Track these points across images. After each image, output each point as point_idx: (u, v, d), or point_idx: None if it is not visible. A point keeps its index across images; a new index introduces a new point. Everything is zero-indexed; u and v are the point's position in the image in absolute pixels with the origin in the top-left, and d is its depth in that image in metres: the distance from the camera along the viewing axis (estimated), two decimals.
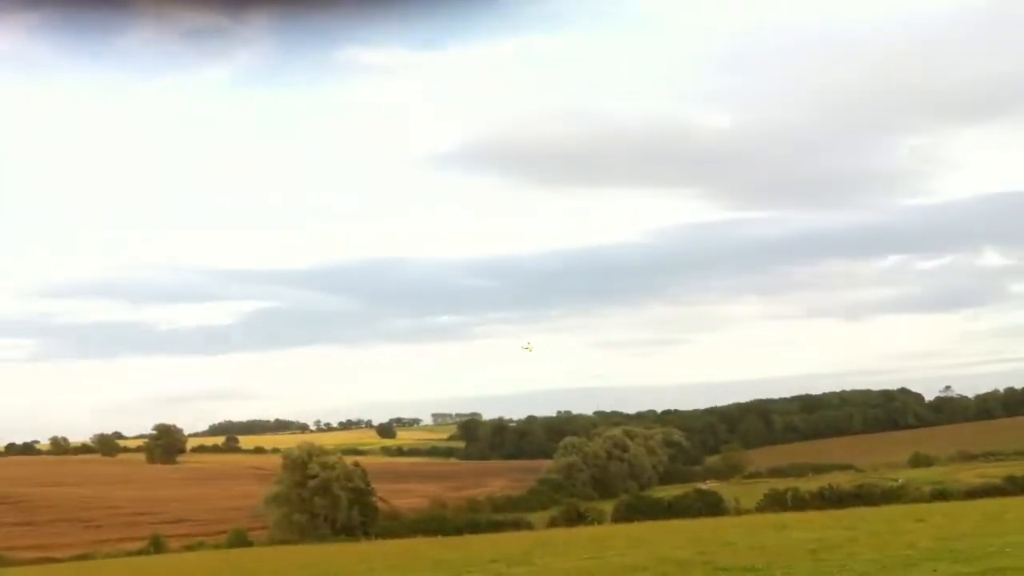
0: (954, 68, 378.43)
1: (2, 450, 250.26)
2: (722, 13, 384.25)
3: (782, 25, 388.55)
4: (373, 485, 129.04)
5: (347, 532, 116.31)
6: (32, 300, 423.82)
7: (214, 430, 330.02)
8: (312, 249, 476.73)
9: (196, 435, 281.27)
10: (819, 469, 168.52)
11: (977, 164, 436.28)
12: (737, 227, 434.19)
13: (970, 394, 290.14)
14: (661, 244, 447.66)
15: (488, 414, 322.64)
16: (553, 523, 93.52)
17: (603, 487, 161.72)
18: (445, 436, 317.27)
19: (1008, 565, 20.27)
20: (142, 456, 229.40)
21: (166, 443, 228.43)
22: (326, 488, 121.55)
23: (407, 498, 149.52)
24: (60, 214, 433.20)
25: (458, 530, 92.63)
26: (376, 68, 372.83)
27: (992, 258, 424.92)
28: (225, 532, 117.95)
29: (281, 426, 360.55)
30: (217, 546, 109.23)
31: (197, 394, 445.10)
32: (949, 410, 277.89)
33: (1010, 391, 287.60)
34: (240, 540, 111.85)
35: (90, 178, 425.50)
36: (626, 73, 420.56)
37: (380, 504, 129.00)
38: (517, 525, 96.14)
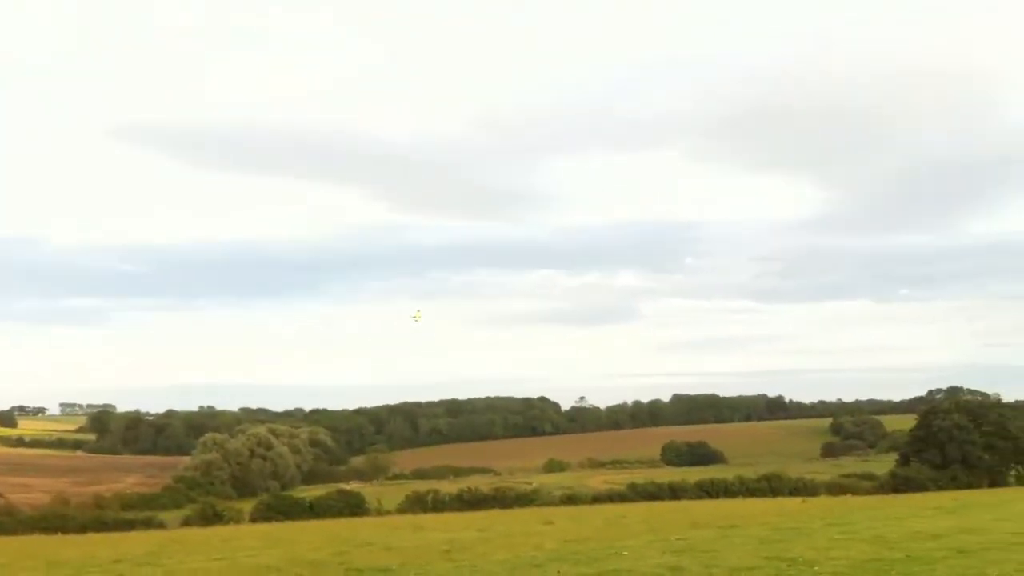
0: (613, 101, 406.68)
1: None
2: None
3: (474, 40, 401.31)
4: None
5: None
6: None
7: None
8: None
9: None
10: (460, 472, 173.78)
11: (617, 192, 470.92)
12: (400, 231, 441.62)
13: (602, 405, 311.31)
14: (321, 241, 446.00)
15: (123, 406, 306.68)
16: (187, 523, 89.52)
17: (243, 486, 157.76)
18: (73, 428, 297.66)
19: (624, 567, 21.37)
20: None
21: None
22: None
23: (27, 493, 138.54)
24: None
25: (82, 528, 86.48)
26: None
27: (628, 279, 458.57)
28: None
29: None
30: None
31: None
32: (583, 419, 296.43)
33: (637, 404, 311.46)
34: None
35: None
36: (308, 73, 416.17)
37: None
38: (148, 524, 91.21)
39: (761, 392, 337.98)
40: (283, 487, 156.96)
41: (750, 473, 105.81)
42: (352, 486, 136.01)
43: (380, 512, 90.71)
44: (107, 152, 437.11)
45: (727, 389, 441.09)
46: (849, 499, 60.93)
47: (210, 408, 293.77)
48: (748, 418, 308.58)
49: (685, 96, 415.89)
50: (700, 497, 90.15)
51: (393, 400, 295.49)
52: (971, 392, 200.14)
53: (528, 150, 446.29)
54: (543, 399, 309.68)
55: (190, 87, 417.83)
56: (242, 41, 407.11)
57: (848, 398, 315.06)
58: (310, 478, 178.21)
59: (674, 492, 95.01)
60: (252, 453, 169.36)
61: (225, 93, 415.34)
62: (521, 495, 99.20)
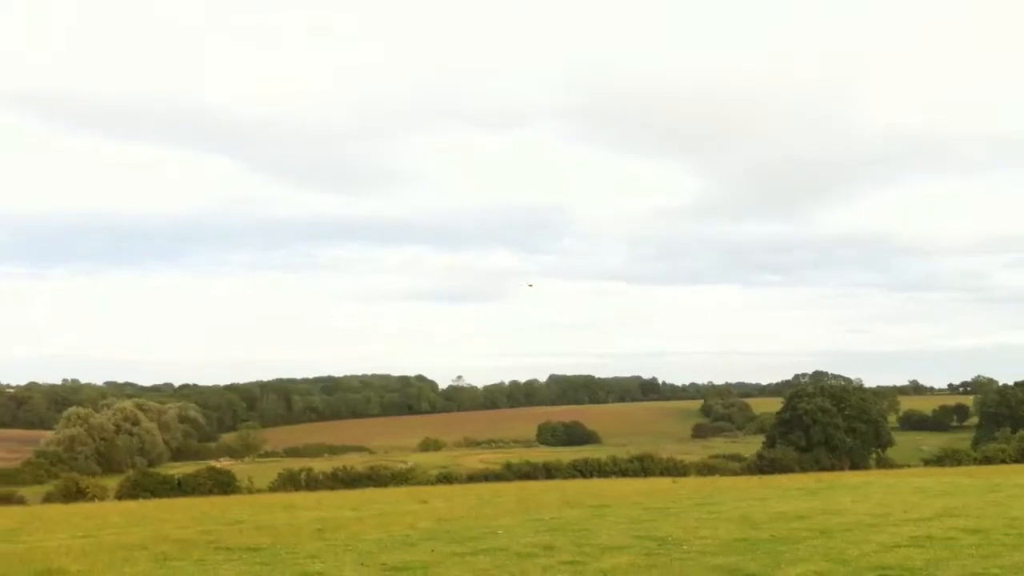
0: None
1: None
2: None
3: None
4: None
5: None
6: None
7: None
8: None
9: None
10: (335, 450, 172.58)
11: (491, 172, 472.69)
12: (266, 203, 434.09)
13: (479, 385, 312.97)
14: (186, 212, 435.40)
15: None
16: (49, 499, 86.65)
17: (109, 462, 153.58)
18: None
19: (499, 546, 21.49)
20: None
21: None
22: None
23: None
24: None
25: None
26: None
27: (504, 259, 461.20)
28: None
29: None
30: None
31: None
32: (460, 399, 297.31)
33: (514, 384, 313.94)
34: None
35: None
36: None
37: None
38: (8, 500, 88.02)
39: (635, 374, 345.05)
40: (150, 464, 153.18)
41: (623, 453, 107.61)
42: (223, 463, 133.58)
43: (251, 490, 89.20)
44: None
45: (602, 371, 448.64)
46: (717, 480, 62.47)
47: (74, 381, 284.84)
48: (623, 399, 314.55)
49: (560, 80, 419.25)
50: (574, 476, 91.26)
51: (266, 377, 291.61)
52: (834, 377, 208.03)
53: (397, 128, 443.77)
54: (420, 377, 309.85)
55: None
56: None
57: (719, 381, 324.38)
58: (179, 455, 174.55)
59: (548, 471, 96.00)
60: (118, 429, 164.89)
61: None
62: (396, 474, 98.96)
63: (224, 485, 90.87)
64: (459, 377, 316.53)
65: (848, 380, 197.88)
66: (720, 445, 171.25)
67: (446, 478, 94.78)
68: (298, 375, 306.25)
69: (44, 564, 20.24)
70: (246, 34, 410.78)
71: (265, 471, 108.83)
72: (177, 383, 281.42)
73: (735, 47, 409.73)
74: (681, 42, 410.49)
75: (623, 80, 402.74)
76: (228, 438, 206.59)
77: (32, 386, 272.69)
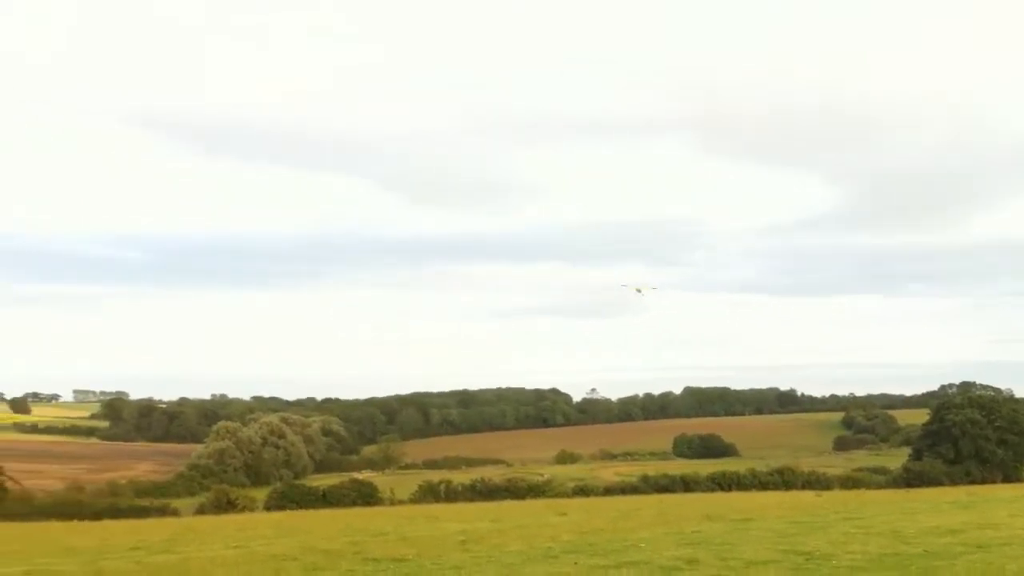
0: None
1: None
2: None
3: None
4: (2, 464, 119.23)
5: None
6: None
7: None
8: None
9: None
10: (472, 463, 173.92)
11: (623, 186, 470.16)
12: (402, 223, 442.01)
13: (613, 397, 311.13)
14: (326, 233, 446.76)
15: (136, 393, 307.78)
16: (201, 510, 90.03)
17: (256, 474, 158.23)
18: (87, 414, 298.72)
19: (641, 559, 21.36)
20: None
21: None
22: None
23: (41, 479, 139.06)
24: None
25: (96, 515, 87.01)
26: None
27: (636, 272, 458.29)
28: None
29: None
30: None
31: None
32: (594, 411, 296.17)
33: (648, 396, 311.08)
34: None
35: None
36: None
37: (9, 485, 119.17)
38: (162, 511, 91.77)
39: (773, 386, 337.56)
40: (296, 476, 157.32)
41: (762, 466, 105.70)
42: (364, 475, 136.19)
43: (393, 502, 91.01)
44: (111, 140, 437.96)
45: (738, 382, 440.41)
46: (863, 493, 60.81)
47: (222, 396, 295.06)
48: (759, 411, 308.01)
49: (691, 92, 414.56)
50: (712, 490, 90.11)
51: (404, 390, 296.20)
52: (983, 387, 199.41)
53: (523, 144, 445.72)
54: (554, 390, 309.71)
55: (193, 80, 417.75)
56: (244, 36, 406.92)
57: (860, 392, 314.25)
58: (322, 467, 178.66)
59: (686, 484, 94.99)
60: (265, 442, 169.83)
61: (228, 86, 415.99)
62: (534, 486, 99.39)
63: (367, 497, 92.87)
64: (593, 390, 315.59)
65: (998, 391, 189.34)
66: (863, 458, 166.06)
67: (583, 490, 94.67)
68: (435, 389, 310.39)
69: (200, 574, 21.07)
70: (373, 68, 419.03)
71: (405, 483, 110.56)
72: (319, 397, 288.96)
73: (866, 55, 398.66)
74: (806, 50, 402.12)
75: (744, 90, 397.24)
76: (369, 451, 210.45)
77: (183, 401, 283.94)
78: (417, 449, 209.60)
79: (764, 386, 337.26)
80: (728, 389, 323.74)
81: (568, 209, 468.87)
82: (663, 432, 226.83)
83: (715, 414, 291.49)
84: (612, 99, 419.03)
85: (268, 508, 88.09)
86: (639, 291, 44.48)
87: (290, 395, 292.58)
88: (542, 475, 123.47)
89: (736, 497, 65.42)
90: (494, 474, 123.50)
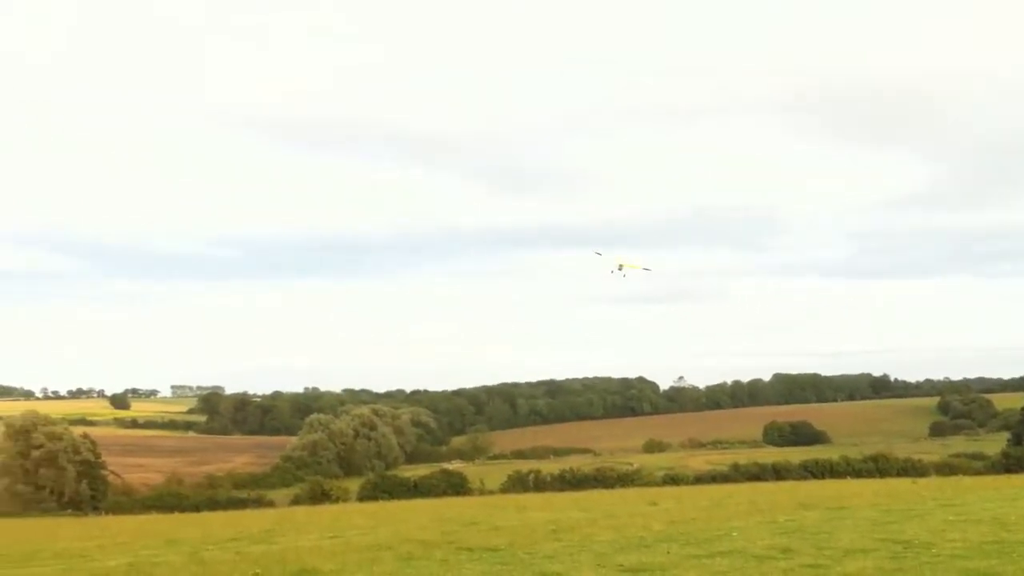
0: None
1: None
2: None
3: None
4: (105, 458, 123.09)
5: (75, 506, 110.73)
6: None
7: None
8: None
9: None
10: (560, 452, 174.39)
11: (708, 169, 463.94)
12: (484, 213, 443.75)
13: (701, 385, 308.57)
14: (405, 224, 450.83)
15: (231, 388, 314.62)
16: (296, 501, 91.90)
17: (349, 465, 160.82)
18: (184, 409, 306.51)
19: (734, 548, 21.26)
20: None
21: None
22: (52, 459, 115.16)
23: (142, 473, 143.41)
24: None
25: (196, 507, 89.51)
26: None
27: (720, 258, 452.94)
28: None
29: (3, 392, 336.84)
30: None
31: None
32: (681, 400, 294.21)
33: (737, 384, 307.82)
34: None
35: None
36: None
37: (112, 478, 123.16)
38: (259, 503, 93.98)
39: (865, 371, 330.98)
40: (387, 467, 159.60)
41: (855, 453, 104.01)
42: (454, 466, 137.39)
43: (482, 492, 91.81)
44: (205, 140, 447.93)
45: (829, 368, 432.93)
46: (960, 480, 59.36)
47: (314, 389, 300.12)
48: (851, 397, 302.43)
49: (780, 72, 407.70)
50: (804, 478, 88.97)
51: (491, 381, 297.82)
52: None
53: (612, 129, 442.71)
54: (641, 379, 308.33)
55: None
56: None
57: (955, 376, 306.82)
58: (413, 458, 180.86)
59: (778, 473, 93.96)
60: (356, 433, 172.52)
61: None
62: (623, 475, 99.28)
63: (457, 487, 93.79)
64: (680, 378, 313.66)
65: None
66: (960, 443, 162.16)
67: (673, 479, 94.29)
68: (522, 379, 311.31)
69: (298, 564, 21.55)
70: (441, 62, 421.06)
71: (494, 473, 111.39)
72: (408, 389, 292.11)
73: (958, 29, 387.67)
74: (895, 26, 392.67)
75: (831, 69, 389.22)
76: (458, 441, 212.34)
77: (277, 395, 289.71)
78: (505, 439, 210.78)
79: (856, 372, 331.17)
80: (819, 375, 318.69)
81: (653, 195, 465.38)
82: (752, 420, 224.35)
83: (806, 401, 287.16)
84: (693, 83, 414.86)
85: (361, 498, 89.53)
86: (620, 268, 40.11)
87: (380, 387, 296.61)
88: (631, 464, 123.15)
89: (829, 485, 64.49)
90: (582, 464, 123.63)
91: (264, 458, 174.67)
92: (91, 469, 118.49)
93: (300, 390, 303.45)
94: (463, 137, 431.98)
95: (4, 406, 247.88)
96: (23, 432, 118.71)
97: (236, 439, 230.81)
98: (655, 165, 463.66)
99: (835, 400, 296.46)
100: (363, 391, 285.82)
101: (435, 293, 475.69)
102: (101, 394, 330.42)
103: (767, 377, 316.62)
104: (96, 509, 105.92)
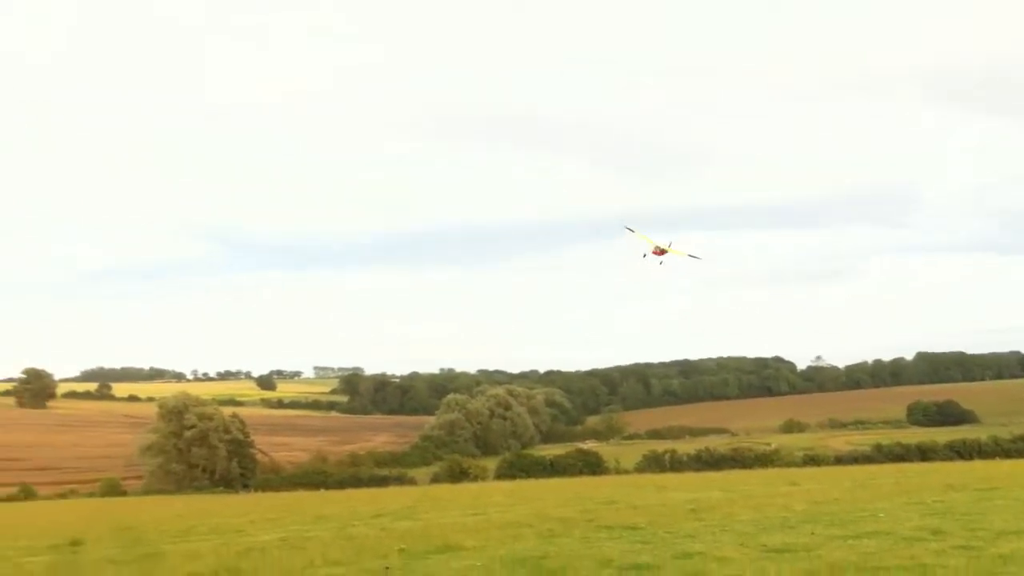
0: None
1: None
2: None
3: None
4: (252, 437, 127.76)
5: (226, 484, 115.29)
6: None
7: (86, 376, 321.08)
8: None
9: (67, 380, 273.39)
10: (695, 432, 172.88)
11: (844, 146, 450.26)
12: (613, 197, 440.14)
13: (840, 364, 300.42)
14: (534, 211, 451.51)
15: (370, 369, 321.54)
16: (436, 479, 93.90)
17: (485, 445, 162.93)
18: (327, 390, 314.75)
19: (881, 529, 20.93)
20: (10, 400, 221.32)
21: (36, 387, 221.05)
22: (204, 439, 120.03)
23: (287, 451, 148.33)
24: None
25: (340, 484, 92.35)
26: None
27: (858, 235, 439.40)
28: (97, 481, 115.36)
29: (156, 374, 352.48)
30: (90, 495, 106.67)
31: (67, 337, 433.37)
32: (820, 379, 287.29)
33: (878, 362, 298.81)
34: (113, 489, 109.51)
35: None
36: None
37: (260, 457, 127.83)
38: (400, 480, 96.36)
39: (1013, 349, 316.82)
40: (523, 446, 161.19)
41: (1005, 434, 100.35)
42: (589, 445, 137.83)
43: (618, 471, 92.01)
44: (353, 131, 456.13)
45: (975, 346, 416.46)
46: None
47: (450, 370, 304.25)
48: (999, 376, 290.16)
49: (914, 46, 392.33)
50: (951, 458, 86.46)
51: (624, 362, 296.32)
52: None
53: (737, 109, 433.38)
54: (777, 358, 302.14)
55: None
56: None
57: None
58: (547, 438, 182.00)
59: (923, 453, 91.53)
60: (492, 413, 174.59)
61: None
62: (760, 455, 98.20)
63: (592, 466, 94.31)
64: (818, 357, 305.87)
65: None
66: None
67: (813, 460, 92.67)
68: (655, 359, 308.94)
69: (442, 539, 22.16)
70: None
71: (629, 453, 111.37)
72: (542, 370, 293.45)
73: None
74: None
75: (969, 42, 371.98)
76: (592, 421, 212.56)
77: (414, 376, 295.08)
78: (639, 419, 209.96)
79: (1004, 349, 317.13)
80: (964, 353, 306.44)
81: (787, 174, 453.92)
82: (895, 399, 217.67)
83: (951, 380, 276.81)
84: (829, 63, 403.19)
85: (498, 477, 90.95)
86: (664, 252, 35.36)
87: (513, 368, 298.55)
88: (768, 444, 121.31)
89: (978, 466, 62.46)
90: (719, 444, 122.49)
91: (403, 437, 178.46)
92: (240, 448, 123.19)
93: (436, 371, 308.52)
94: (590, 121, 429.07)
95: (157, 388, 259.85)
96: (176, 413, 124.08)
97: (376, 418, 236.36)
98: (795, 144, 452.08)
99: (982, 379, 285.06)
100: (497, 372, 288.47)
101: (565, 276, 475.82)
102: (248, 376, 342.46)
103: (910, 356, 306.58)
104: (246, 487, 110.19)
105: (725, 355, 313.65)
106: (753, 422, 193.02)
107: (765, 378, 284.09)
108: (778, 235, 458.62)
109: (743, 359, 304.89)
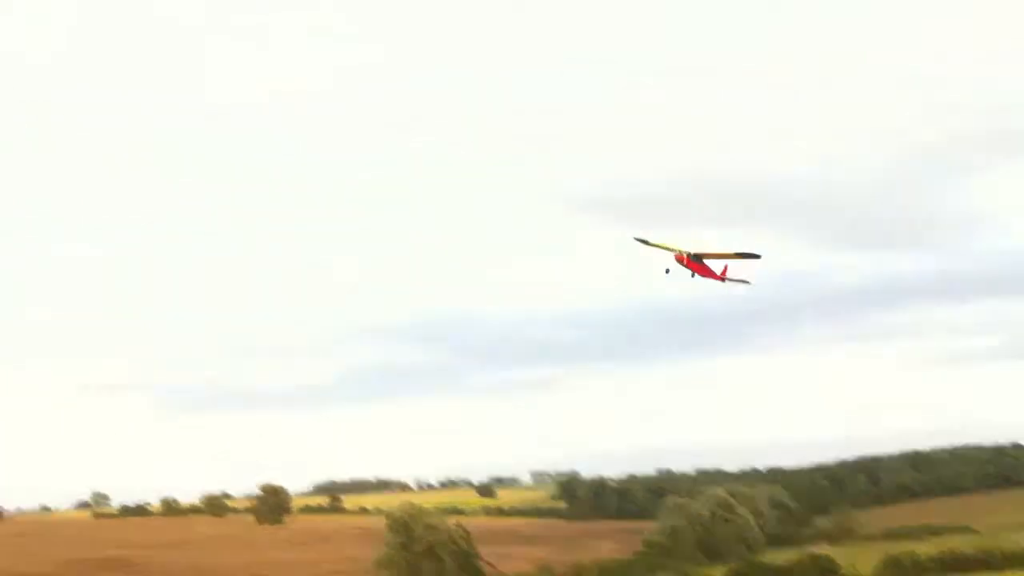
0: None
1: (116, 512, 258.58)
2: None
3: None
4: (476, 548, 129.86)
5: None
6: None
7: (317, 490, 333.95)
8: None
9: (300, 495, 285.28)
10: (935, 531, 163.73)
11: None
12: (824, 272, 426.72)
13: None
14: (746, 292, 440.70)
15: (585, 471, 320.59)
16: None
17: (710, 550, 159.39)
18: (544, 495, 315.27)
19: None
20: (250, 517, 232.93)
21: (273, 503, 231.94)
22: (432, 551, 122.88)
23: (511, 562, 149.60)
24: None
25: None
26: None
27: None
28: None
29: (382, 485, 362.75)
30: None
31: (299, 453, 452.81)
32: None
33: None
34: None
35: None
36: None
37: (487, 568, 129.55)
38: None
39: None
40: (749, 550, 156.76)
41: None
42: (821, 549, 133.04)
43: None
44: (544, 219, 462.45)
45: None
46: None
47: (667, 470, 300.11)
48: None
49: None
50: None
51: (845, 455, 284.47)
52: None
53: (952, 165, 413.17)
54: (1016, 445, 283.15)
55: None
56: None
57: None
58: (774, 541, 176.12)
59: None
60: (714, 516, 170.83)
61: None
62: (1010, 555, 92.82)
63: (827, 572, 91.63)
64: None
65: None
66: None
67: None
68: (882, 451, 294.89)
69: None
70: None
71: (864, 556, 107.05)
72: (760, 466, 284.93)
73: None
74: None
75: None
76: (821, 522, 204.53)
77: (632, 478, 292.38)
78: (870, 518, 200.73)
79: None
80: None
81: (1005, 236, 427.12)
82: None
83: None
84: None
85: None
86: (668, 272, 31.43)
87: (731, 466, 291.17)
88: (1019, 543, 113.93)
89: None
90: (962, 543, 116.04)
91: (624, 543, 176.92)
92: (467, 560, 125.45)
93: (652, 472, 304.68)
94: (788, 192, 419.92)
95: (384, 499, 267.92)
96: (403, 525, 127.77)
97: (597, 524, 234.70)
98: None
99: None
100: (716, 471, 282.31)
101: (776, 362, 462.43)
102: (468, 483, 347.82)
103: None
104: None
105: (958, 443, 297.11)
106: (995, 517, 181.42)
107: (1004, 467, 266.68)
108: (1008, 304, 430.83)
109: (979, 448, 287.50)
